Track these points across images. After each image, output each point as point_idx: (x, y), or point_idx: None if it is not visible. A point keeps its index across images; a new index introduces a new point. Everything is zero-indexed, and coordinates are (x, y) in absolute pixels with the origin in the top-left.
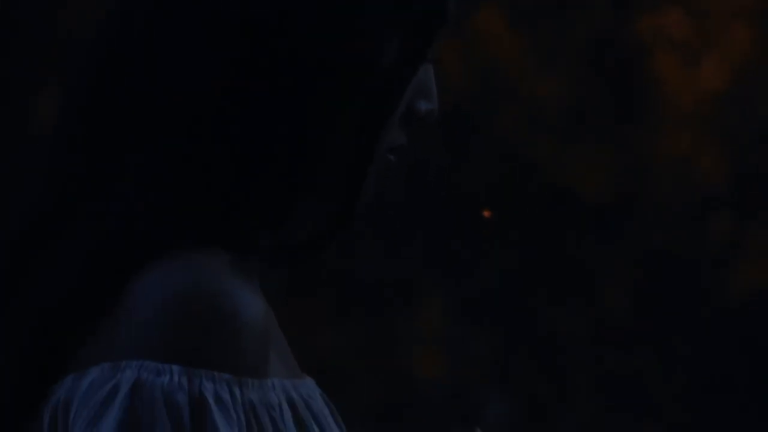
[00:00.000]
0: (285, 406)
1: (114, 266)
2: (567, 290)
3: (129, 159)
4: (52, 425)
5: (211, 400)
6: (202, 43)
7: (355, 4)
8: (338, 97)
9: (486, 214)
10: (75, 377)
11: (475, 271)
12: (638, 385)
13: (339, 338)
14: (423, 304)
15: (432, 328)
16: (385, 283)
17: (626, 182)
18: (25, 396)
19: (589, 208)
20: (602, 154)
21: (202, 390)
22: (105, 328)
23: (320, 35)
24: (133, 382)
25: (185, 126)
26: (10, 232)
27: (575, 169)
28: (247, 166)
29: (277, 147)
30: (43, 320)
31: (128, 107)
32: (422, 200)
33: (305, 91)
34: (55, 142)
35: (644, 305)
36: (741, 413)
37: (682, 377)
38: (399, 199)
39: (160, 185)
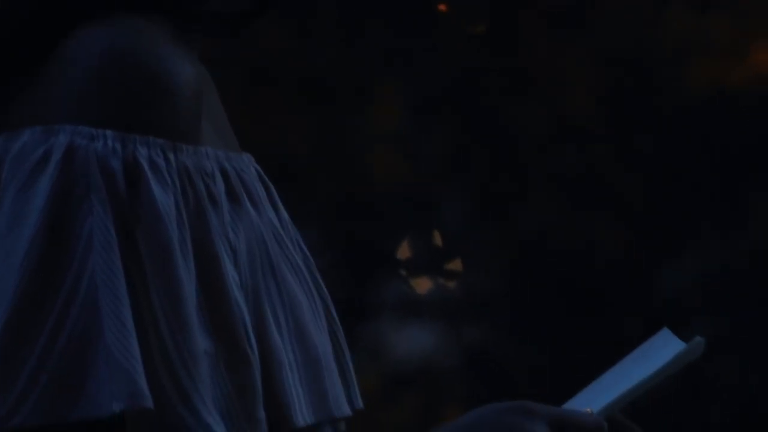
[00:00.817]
0: (218, 175)
1: (47, 20)
2: (526, 89)
3: None
4: None
5: (145, 165)
6: None
7: None
8: None
9: (442, 7)
10: (7, 138)
11: (435, 68)
12: (598, 182)
13: (293, 134)
14: (379, 101)
15: (389, 125)
16: (341, 77)
17: None
18: None
19: (549, 13)
20: None
21: (137, 155)
22: (38, 86)
23: None
24: (66, 147)
25: None
26: None
27: None
28: None
29: None
30: None
31: None
32: None
33: None
34: None
35: (604, 104)
36: (698, 196)
37: (642, 173)
38: None
39: None
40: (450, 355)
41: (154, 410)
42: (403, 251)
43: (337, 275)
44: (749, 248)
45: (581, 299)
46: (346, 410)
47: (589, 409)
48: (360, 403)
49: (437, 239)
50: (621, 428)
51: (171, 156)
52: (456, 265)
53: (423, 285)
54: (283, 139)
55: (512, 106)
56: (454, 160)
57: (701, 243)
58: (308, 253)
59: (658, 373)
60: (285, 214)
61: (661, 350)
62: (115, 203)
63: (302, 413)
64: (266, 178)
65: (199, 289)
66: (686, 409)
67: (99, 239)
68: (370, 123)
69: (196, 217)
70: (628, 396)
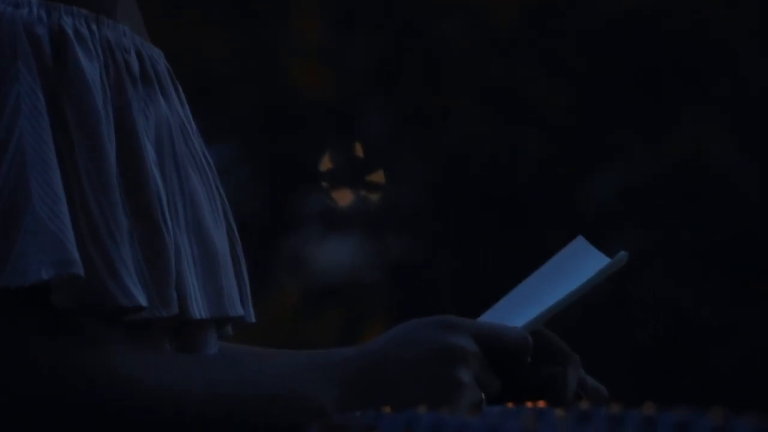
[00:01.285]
0: (134, 56)
1: None
2: (451, 3)
3: None
4: None
5: (71, 34)
6: None
7: None
8: None
9: None
10: None
11: None
12: (522, 96)
13: (216, 46)
14: (303, 14)
15: (312, 39)
16: None
17: None
18: None
19: None
20: None
21: (62, 24)
22: None
23: None
24: None
25: None
26: None
27: None
28: None
29: None
30: None
31: None
32: None
33: None
34: None
35: (529, 18)
36: (622, 109)
37: (566, 87)
38: None
39: None
40: (373, 268)
41: (83, 279)
42: (326, 164)
43: (258, 188)
44: (673, 161)
45: (505, 211)
46: (240, 310)
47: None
48: (253, 318)
49: (359, 152)
50: (547, 342)
51: (94, 27)
52: (378, 177)
53: (345, 198)
54: (205, 52)
55: (436, 20)
56: (377, 73)
57: (625, 156)
58: (212, 164)
59: (582, 288)
60: (191, 117)
61: (581, 262)
62: (43, 70)
63: (198, 307)
64: (175, 78)
65: (118, 163)
66: (612, 323)
67: (27, 104)
68: (294, 36)
69: (117, 91)
70: (552, 310)
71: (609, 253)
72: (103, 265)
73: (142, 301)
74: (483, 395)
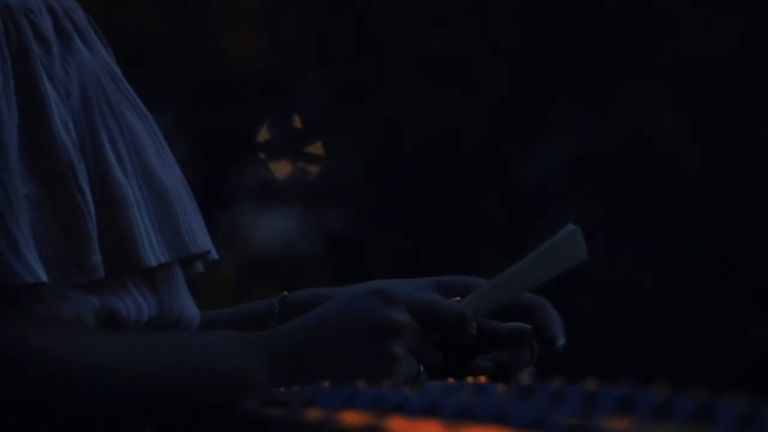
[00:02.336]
0: (45, 12)
1: None
2: None
3: None
4: None
5: None
6: None
7: None
8: None
9: None
10: None
11: None
12: (462, 66)
13: (149, 16)
14: None
15: (246, 8)
16: None
17: None
18: None
19: None
20: None
21: None
22: None
23: None
24: None
25: None
26: None
27: None
28: None
29: None
30: None
31: None
32: None
33: None
34: None
35: None
36: (563, 81)
37: (507, 57)
38: None
39: None
40: (311, 241)
41: None
42: (262, 135)
43: (194, 159)
44: (615, 133)
45: (445, 184)
46: (206, 245)
47: (457, 298)
48: (216, 255)
49: (297, 123)
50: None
51: None
52: (316, 149)
53: (282, 170)
54: (138, 21)
55: None
56: (313, 43)
57: (566, 128)
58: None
59: (530, 265)
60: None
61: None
62: None
63: (154, 252)
64: (96, 26)
65: (23, 131)
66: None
67: None
68: (228, 5)
69: (20, 58)
70: (501, 288)
71: (554, 228)
72: (3, 238)
73: (43, 276)
74: (421, 367)
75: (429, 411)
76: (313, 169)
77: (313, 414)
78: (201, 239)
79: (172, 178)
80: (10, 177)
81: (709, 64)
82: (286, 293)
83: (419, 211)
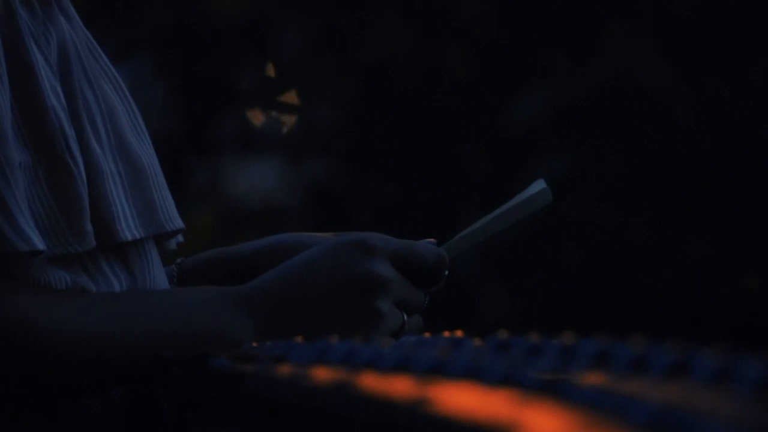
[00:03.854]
0: None
1: None
2: None
3: None
4: None
5: None
6: None
7: None
8: None
9: None
10: None
11: None
12: (445, 10)
13: None
14: None
15: None
16: None
17: None
18: None
19: None
20: None
21: None
22: None
23: None
24: None
25: None
26: None
27: None
28: None
29: None
30: None
31: None
32: None
33: None
34: None
35: None
36: (548, 27)
37: (493, 7)
38: None
39: None
40: (292, 191)
41: None
42: (241, 83)
43: (171, 106)
44: (600, 80)
45: (427, 131)
46: (179, 223)
47: (432, 239)
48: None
49: (276, 70)
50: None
51: None
52: (296, 97)
53: (262, 118)
54: None
55: None
56: None
57: (551, 75)
58: (121, 81)
59: (504, 216)
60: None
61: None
62: None
63: (129, 227)
64: None
65: (13, 98)
66: (540, 247)
67: None
68: None
69: (9, 26)
70: (476, 234)
71: (534, 176)
72: None
73: (39, 244)
74: (404, 317)
75: (401, 367)
76: (293, 117)
77: (285, 370)
78: (175, 217)
79: (148, 152)
80: (3, 146)
81: (697, 7)
82: (181, 260)
83: (401, 158)
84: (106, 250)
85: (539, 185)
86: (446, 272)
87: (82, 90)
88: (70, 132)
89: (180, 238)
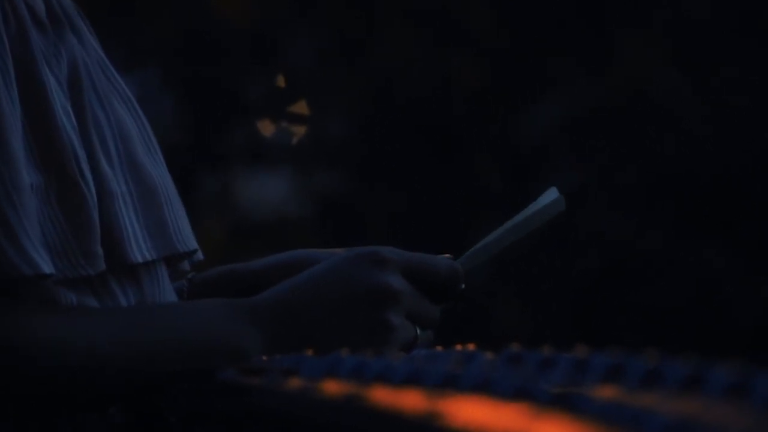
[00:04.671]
0: None
1: None
2: None
3: None
4: None
5: None
6: None
7: None
8: None
9: None
10: None
11: None
12: (456, 21)
13: None
14: None
15: None
16: None
17: None
18: None
19: None
20: None
21: None
22: None
23: None
24: None
25: None
26: None
27: None
28: None
29: None
30: None
31: None
32: None
33: None
34: None
35: None
36: (561, 37)
37: (504, 16)
38: None
39: None
40: (302, 203)
41: None
42: (252, 94)
43: (180, 117)
44: (614, 90)
45: (438, 143)
46: (192, 244)
47: (448, 255)
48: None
49: (285, 81)
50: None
51: None
52: (306, 107)
53: (271, 129)
54: None
55: None
56: None
57: (564, 85)
58: (133, 99)
59: (518, 226)
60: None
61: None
62: None
63: (140, 249)
64: (84, 16)
65: (25, 119)
66: (556, 257)
67: None
68: None
69: (20, 42)
70: (491, 246)
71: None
72: (2, 230)
73: (46, 267)
74: (417, 331)
75: (412, 380)
76: (303, 128)
77: (294, 383)
78: (188, 238)
79: (160, 171)
80: (10, 169)
81: (711, 17)
82: (192, 275)
83: (412, 170)
84: (115, 271)
85: (552, 193)
86: (462, 286)
87: (93, 110)
88: (81, 153)
89: (200, 255)
